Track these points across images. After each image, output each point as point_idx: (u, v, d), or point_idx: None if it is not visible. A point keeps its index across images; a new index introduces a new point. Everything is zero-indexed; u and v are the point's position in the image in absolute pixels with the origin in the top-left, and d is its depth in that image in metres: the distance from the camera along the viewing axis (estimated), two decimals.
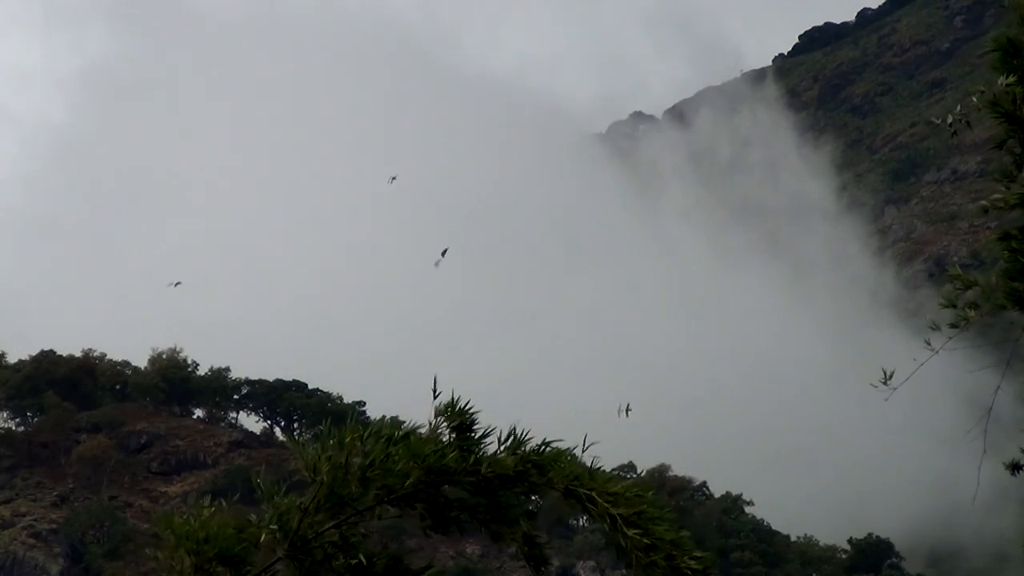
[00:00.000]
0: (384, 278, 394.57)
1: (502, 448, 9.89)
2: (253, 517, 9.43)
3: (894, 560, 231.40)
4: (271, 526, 9.17)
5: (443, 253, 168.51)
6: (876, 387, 16.53)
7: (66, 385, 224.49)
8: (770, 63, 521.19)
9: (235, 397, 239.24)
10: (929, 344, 16.15)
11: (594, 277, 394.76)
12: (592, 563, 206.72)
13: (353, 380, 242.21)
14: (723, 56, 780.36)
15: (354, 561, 8.98)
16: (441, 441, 9.81)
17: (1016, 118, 14.90)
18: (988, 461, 17.72)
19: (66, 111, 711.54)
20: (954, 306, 15.68)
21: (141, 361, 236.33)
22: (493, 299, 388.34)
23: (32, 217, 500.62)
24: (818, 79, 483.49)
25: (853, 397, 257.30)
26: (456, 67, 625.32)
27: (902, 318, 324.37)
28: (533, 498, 10.16)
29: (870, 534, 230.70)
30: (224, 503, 9.47)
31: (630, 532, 9.52)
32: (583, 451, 9.87)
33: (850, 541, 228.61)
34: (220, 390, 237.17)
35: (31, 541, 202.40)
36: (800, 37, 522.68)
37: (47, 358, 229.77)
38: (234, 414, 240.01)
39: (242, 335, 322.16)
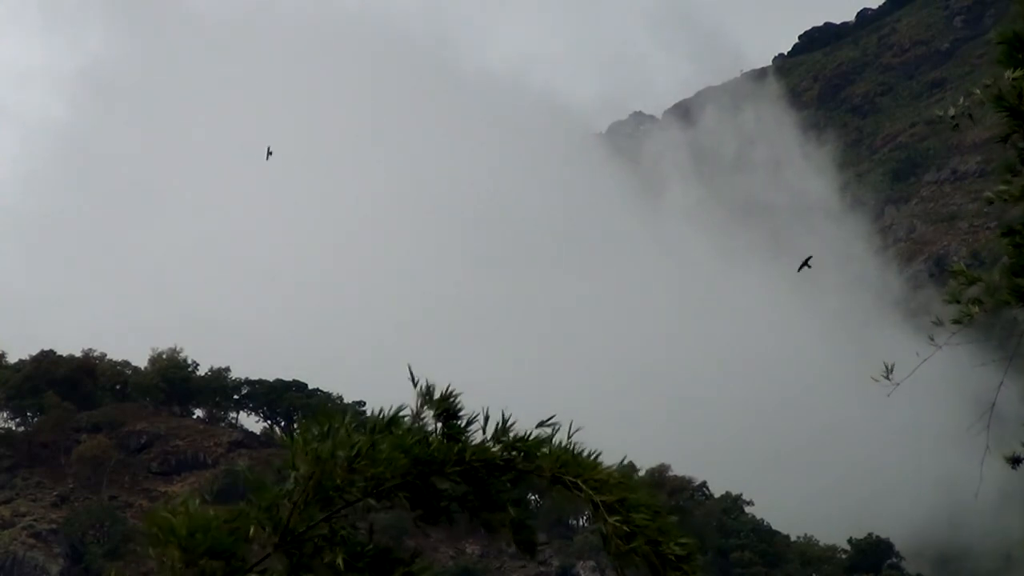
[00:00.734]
0: (384, 278, 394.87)
1: (488, 436, 9.80)
2: (241, 504, 9.33)
3: (894, 560, 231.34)
4: (260, 516, 9.07)
5: (268, 150, 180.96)
6: (878, 381, 16.41)
7: (66, 385, 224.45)
8: (770, 63, 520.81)
9: (235, 397, 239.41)
10: (932, 340, 16.04)
11: (595, 277, 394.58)
12: (592, 563, 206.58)
13: (353, 380, 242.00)
14: (724, 56, 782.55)
15: (342, 558, 8.86)
16: (425, 430, 9.73)
17: (1021, 112, 14.75)
18: (991, 458, 17.60)
19: (66, 110, 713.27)
20: (958, 302, 15.55)
21: (141, 361, 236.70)
22: (494, 299, 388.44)
23: (32, 217, 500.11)
24: (818, 79, 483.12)
25: (854, 396, 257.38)
26: (456, 66, 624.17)
27: (904, 318, 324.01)
28: (530, 496, 10.06)
29: (870, 534, 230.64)
30: (210, 499, 9.40)
31: (611, 519, 9.39)
32: (568, 437, 9.78)
33: (850, 541, 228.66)
34: (220, 390, 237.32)
35: (31, 541, 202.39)
36: (800, 37, 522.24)
37: (47, 358, 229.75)
38: (234, 414, 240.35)
39: (242, 335, 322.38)
